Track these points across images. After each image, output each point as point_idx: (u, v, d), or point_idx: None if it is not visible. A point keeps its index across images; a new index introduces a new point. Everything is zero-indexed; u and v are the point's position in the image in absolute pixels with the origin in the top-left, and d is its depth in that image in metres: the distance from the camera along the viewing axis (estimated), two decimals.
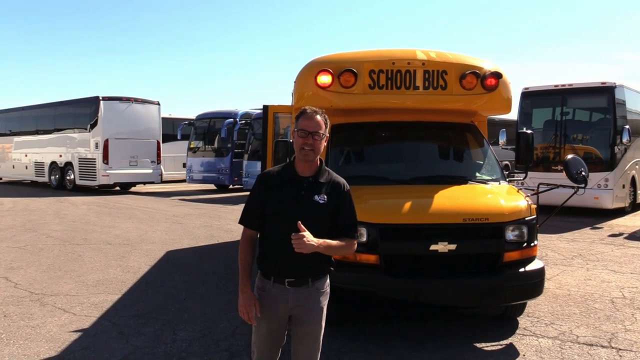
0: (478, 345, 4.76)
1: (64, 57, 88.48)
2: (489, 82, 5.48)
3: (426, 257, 4.61)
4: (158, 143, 20.46)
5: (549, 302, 5.96)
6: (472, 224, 4.61)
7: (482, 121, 6.37)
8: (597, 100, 13.70)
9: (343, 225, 2.85)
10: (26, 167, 22.99)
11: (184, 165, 21.88)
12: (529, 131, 5.94)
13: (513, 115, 12.12)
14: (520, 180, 6.03)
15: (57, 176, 21.17)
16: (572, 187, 5.56)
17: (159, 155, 20.47)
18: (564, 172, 5.69)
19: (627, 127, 13.01)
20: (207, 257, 8.59)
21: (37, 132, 22.49)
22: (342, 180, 2.92)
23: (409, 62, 5.44)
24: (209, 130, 20.91)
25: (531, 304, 5.67)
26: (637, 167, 14.26)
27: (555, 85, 13.95)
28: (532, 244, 4.83)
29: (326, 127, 2.82)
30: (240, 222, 2.91)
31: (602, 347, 4.68)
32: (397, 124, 5.96)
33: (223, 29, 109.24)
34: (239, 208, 2.97)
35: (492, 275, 4.66)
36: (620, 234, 10.84)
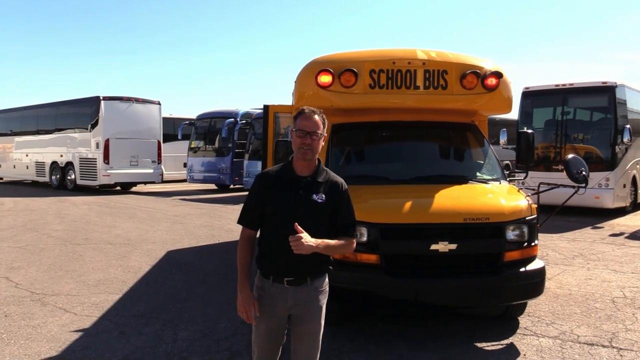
0: (478, 345, 4.76)
1: (64, 57, 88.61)
2: (489, 82, 5.48)
3: (427, 257, 4.61)
4: (159, 143, 20.47)
5: (549, 301, 5.96)
6: (473, 223, 4.60)
7: (483, 121, 6.37)
8: (598, 100, 13.69)
9: (341, 224, 2.86)
10: (27, 167, 23.01)
11: (185, 165, 21.89)
12: (529, 131, 5.94)
13: (514, 114, 12.12)
14: (520, 179, 6.03)
15: (58, 176, 21.19)
16: (573, 187, 5.56)
17: (159, 155, 20.48)
18: (565, 172, 5.68)
19: (628, 126, 13.00)
20: (207, 256, 8.59)
21: (38, 132, 22.51)
22: (340, 179, 2.93)
23: (410, 61, 5.44)
24: (209, 130, 20.92)
25: (532, 304, 5.67)
26: (638, 166, 14.25)
27: (556, 85, 13.95)
28: (533, 244, 4.83)
29: (324, 127, 2.84)
30: (239, 222, 2.92)
31: (603, 346, 4.67)
32: (397, 123, 5.96)
33: (223, 29, 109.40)
34: (240, 208, 2.98)
35: (493, 275, 4.65)
36: (621, 234, 10.83)
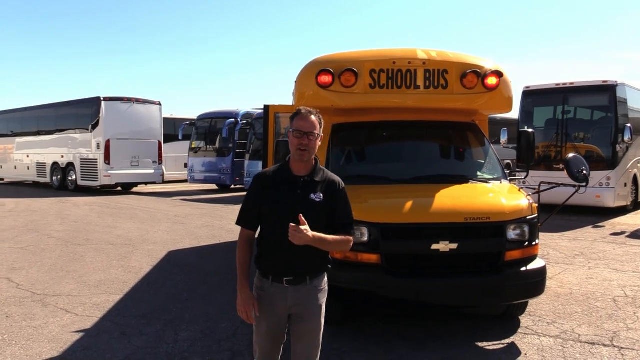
0: (479, 344, 4.76)
1: (64, 57, 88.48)
2: (489, 81, 5.47)
3: (427, 257, 4.62)
4: (159, 143, 20.48)
5: (550, 301, 5.96)
6: (474, 223, 4.60)
7: (483, 120, 6.37)
8: (598, 99, 13.69)
9: (339, 223, 2.87)
10: (28, 168, 23.04)
11: (186, 165, 21.91)
12: (530, 130, 5.93)
13: (514, 114, 12.12)
14: (521, 179, 6.01)
15: (59, 177, 21.21)
16: (574, 186, 5.56)
17: (160, 155, 20.49)
18: (566, 171, 5.68)
19: (629, 125, 13.00)
20: (208, 257, 8.60)
21: (38, 133, 22.54)
22: (337, 178, 2.94)
23: (410, 61, 5.44)
24: (210, 131, 20.94)
25: (533, 303, 5.66)
26: (639, 165, 14.24)
27: (557, 84, 13.94)
28: (534, 243, 4.83)
29: (321, 127, 2.86)
30: (238, 222, 2.93)
31: (604, 345, 4.67)
32: (398, 123, 5.96)
33: (223, 29, 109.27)
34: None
35: (494, 274, 4.65)
36: (622, 233, 10.82)
